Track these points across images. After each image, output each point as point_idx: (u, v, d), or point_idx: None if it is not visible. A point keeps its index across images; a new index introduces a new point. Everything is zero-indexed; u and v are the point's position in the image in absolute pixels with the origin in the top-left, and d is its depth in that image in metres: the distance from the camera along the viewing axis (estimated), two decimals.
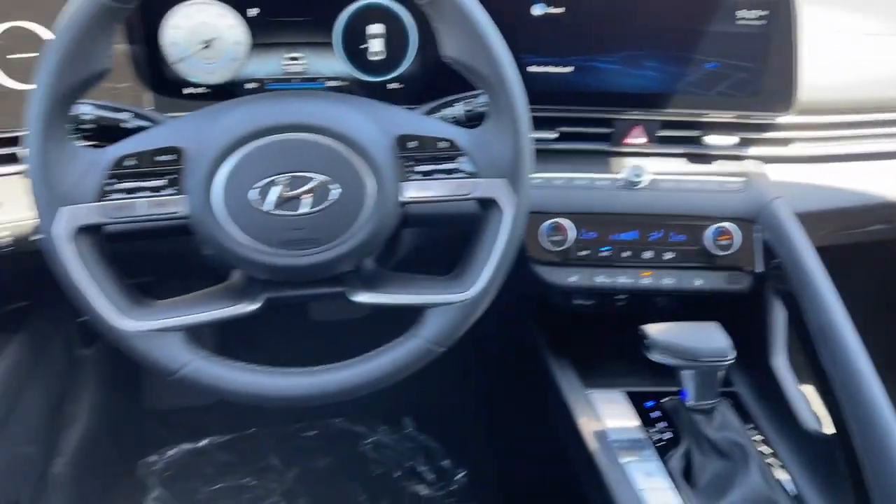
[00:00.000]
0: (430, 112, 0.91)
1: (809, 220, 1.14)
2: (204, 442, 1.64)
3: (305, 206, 0.73)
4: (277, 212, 0.73)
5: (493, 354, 1.61)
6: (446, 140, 0.78)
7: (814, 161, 1.14)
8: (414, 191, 0.77)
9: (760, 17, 1.01)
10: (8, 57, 0.92)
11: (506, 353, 1.53)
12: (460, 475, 1.57)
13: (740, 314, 1.14)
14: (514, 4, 1.00)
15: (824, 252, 1.05)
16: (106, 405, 1.55)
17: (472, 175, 0.78)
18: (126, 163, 0.72)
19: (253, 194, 0.72)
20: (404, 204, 0.78)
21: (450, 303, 0.80)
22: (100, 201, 0.72)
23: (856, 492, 0.90)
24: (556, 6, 1.00)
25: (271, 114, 0.73)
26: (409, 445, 1.64)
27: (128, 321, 0.74)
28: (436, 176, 0.78)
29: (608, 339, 1.19)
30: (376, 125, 0.77)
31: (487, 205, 0.79)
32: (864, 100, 1.13)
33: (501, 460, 1.58)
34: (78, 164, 0.72)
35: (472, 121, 0.88)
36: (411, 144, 0.77)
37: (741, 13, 1.01)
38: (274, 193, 0.73)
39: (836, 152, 1.14)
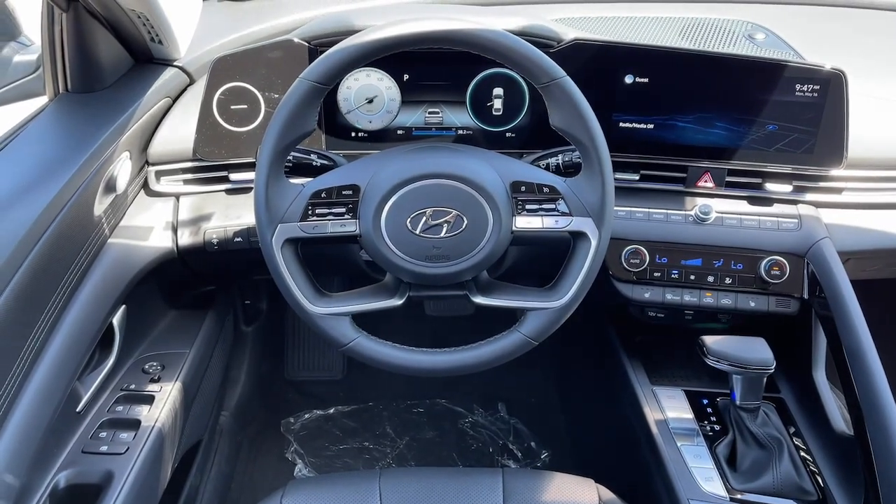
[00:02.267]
0: (537, 160, 1.17)
1: (857, 256, 1.33)
2: (331, 410, 1.95)
3: (443, 232, 1.01)
4: (424, 235, 1.01)
5: (577, 353, 1.84)
6: (548, 186, 1.04)
7: (864, 207, 1.31)
8: (522, 223, 1.03)
9: (814, 91, 1.21)
10: (231, 107, 1.24)
11: (588, 352, 1.76)
12: (545, 455, 1.82)
13: (789, 333, 1.34)
14: (611, 75, 1.24)
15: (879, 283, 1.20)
16: (258, 373, 1.90)
17: (567, 213, 1.04)
18: (321, 195, 1.02)
19: (408, 221, 1.01)
20: (515, 232, 1.05)
21: (546, 308, 1.06)
22: (301, 221, 1.01)
23: (868, 486, 1.10)
24: (642, 77, 1.24)
25: (423, 166, 1.01)
26: (501, 426, 1.90)
27: (313, 306, 1.03)
28: (539, 213, 1.04)
29: (673, 345, 1.41)
30: (497, 173, 1.03)
31: (578, 236, 1.04)
32: None
33: (579, 442, 1.82)
34: (288, 195, 1.01)
35: (567, 169, 1.14)
36: (522, 188, 1.04)
37: (799, 86, 1.21)
38: (422, 222, 1.01)
39: (884, 201, 1.31)
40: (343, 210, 1.02)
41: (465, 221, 1.01)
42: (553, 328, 1.07)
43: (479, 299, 1.08)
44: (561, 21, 1.44)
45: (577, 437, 1.83)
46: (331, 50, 0.97)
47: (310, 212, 1.01)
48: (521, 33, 1.17)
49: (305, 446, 1.85)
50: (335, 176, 1.04)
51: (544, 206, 1.04)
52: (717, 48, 1.39)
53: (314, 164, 1.14)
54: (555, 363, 2.00)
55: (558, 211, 1.03)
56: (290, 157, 1.13)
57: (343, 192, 1.02)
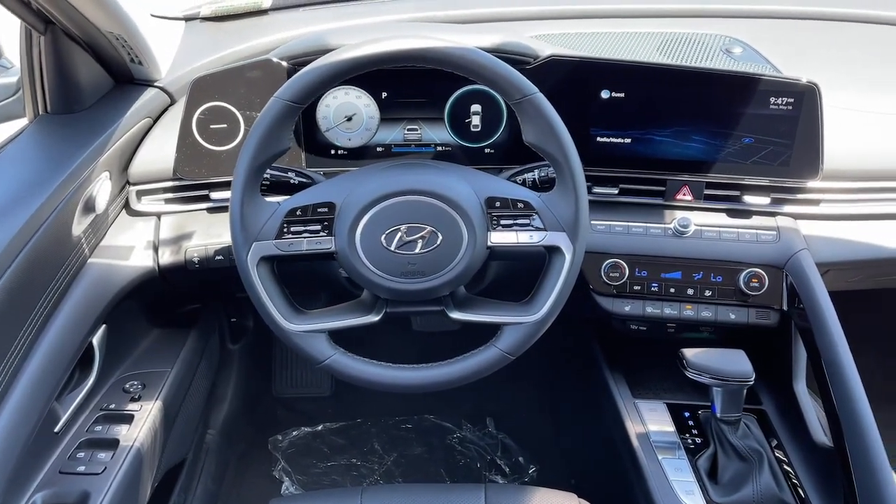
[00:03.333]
0: (514, 175, 1.18)
1: (836, 268, 1.34)
2: (320, 427, 1.95)
3: (418, 248, 1.01)
4: (398, 251, 1.01)
5: (564, 368, 1.85)
6: (523, 201, 1.04)
7: (842, 219, 1.31)
8: (497, 238, 1.03)
9: (789, 104, 1.22)
10: (211, 127, 1.25)
11: (571, 367, 1.76)
12: (532, 470, 1.81)
13: (770, 345, 1.35)
14: (587, 90, 1.25)
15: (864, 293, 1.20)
16: (246, 391, 1.90)
17: (541, 228, 1.04)
18: (297, 213, 1.02)
19: (383, 238, 1.01)
20: (490, 247, 1.05)
21: (522, 322, 1.06)
22: (277, 239, 1.02)
23: (847, 495, 1.10)
24: (618, 92, 1.25)
25: (397, 182, 1.02)
26: (489, 441, 1.89)
27: (289, 324, 1.04)
28: (514, 228, 1.04)
29: (656, 359, 1.41)
30: (472, 189, 1.04)
31: (552, 250, 1.05)
32: (886, 169, 1.31)
33: (566, 457, 1.81)
34: (264, 213, 1.02)
35: (544, 184, 1.15)
36: (497, 203, 1.04)
37: (774, 99, 1.22)
38: (397, 238, 1.01)
39: (863, 212, 1.32)
40: (318, 227, 1.03)
41: (440, 237, 1.02)
42: (530, 342, 1.07)
43: (456, 315, 1.08)
44: (540, 38, 1.46)
45: (565, 452, 1.83)
46: (304, 69, 0.98)
47: (285, 229, 1.02)
48: (495, 50, 1.19)
49: (293, 464, 1.84)
50: (311, 194, 1.05)
51: (519, 221, 1.04)
52: (694, 62, 1.40)
53: (292, 181, 1.15)
54: (543, 378, 2.00)
55: (532, 226, 1.04)
56: (268, 176, 1.14)
57: (318, 210, 1.03)
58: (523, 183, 1.16)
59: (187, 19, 1.50)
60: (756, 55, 1.44)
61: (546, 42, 1.37)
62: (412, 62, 0.98)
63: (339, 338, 1.08)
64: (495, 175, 1.13)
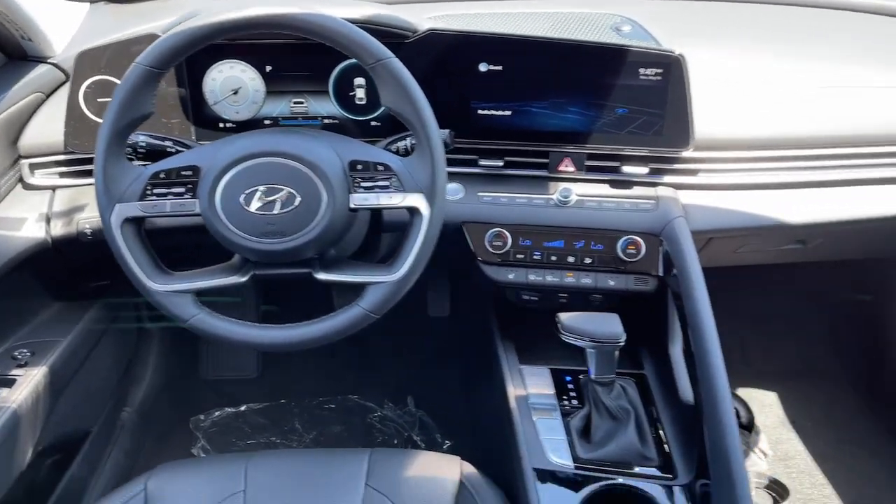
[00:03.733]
0: (388, 145, 1.21)
1: (716, 235, 1.38)
2: (243, 407, 1.98)
3: (276, 208, 1.04)
4: (257, 212, 1.04)
5: (472, 343, 1.88)
6: (383, 164, 1.08)
7: (719, 188, 1.35)
8: (358, 199, 1.06)
9: (657, 74, 1.26)
10: (98, 100, 1.28)
11: (477, 341, 1.80)
12: (447, 445, 1.85)
13: (651, 311, 1.39)
14: (466, 64, 1.28)
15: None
16: (167, 371, 1.92)
17: (400, 190, 1.07)
18: (161, 176, 1.05)
19: (241, 199, 1.04)
20: (353, 209, 1.09)
21: (383, 281, 1.09)
22: (140, 201, 1.05)
23: (701, 450, 1.14)
24: (495, 65, 1.28)
25: (258, 144, 1.04)
26: (408, 419, 1.92)
27: (154, 284, 1.07)
28: (375, 190, 1.08)
29: (548, 329, 1.44)
30: (334, 153, 1.07)
31: (412, 211, 1.08)
32: (755, 138, 1.35)
33: (473, 428, 1.85)
34: (128, 176, 1.05)
35: (412, 151, 1.18)
36: (359, 167, 1.08)
37: (643, 70, 1.26)
38: (255, 198, 1.05)
39: (740, 182, 1.36)
40: (182, 190, 1.05)
41: (298, 198, 1.04)
42: (392, 301, 1.10)
43: (322, 275, 1.11)
44: (442, 17, 1.50)
45: (473, 424, 1.86)
46: (163, 36, 1.01)
47: (149, 191, 1.05)
48: (369, 22, 1.23)
49: (213, 442, 1.87)
50: (177, 159, 1.08)
51: (379, 184, 1.07)
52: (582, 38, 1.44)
53: (169, 150, 1.18)
54: (461, 356, 2.03)
55: (392, 188, 1.07)
56: (144, 144, 1.16)
57: (182, 173, 1.05)
58: (397, 151, 1.19)
59: (92, 1, 1.53)
60: (644, 32, 1.48)
61: (446, 21, 1.40)
62: (269, 28, 1.01)
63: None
64: (372, 144, 1.17)
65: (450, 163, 1.34)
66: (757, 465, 1.72)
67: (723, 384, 1.13)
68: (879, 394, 1.97)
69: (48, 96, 1.36)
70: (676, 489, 1.14)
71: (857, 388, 2.02)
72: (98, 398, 1.57)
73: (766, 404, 1.97)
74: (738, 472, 1.06)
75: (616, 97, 1.28)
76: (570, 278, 1.35)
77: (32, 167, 1.34)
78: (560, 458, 1.19)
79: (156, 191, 1.05)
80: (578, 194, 1.34)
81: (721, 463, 1.08)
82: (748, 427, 1.72)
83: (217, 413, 1.95)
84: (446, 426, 1.90)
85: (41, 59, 1.36)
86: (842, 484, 1.52)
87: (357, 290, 1.11)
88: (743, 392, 2.00)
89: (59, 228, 1.32)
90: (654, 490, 1.13)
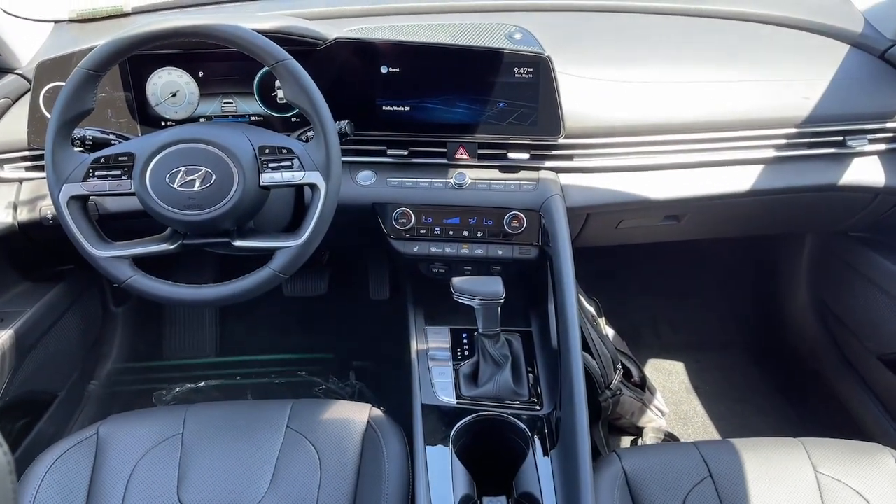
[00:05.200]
0: (300, 135, 1.43)
1: (592, 211, 1.60)
2: (202, 383, 2.19)
3: (196, 185, 1.26)
4: (180, 188, 1.26)
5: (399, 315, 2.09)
6: (286, 148, 1.29)
7: (592, 171, 1.57)
8: (267, 178, 1.28)
9: (529, 73, 1.49)
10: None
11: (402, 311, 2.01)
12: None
13: (538, 277, 1.60)
14: (370, 66, 1.50)
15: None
16: (132, 350, 2.13)
17: (301, 169, 1.29)
18: (101, 161, 1.27)
19: (167, 178, 1.26)
20: (263, 186, 1.30)
21: (289, 245, 1.30)
22: (84, 181, 1.27)
23: (561, 389, 1.35)
24: (394, 67, 1.51)
25: (180, 133, 1.27)
26: (348, 391, 2.13)
27: (96, 250, 1.29)
28: (280, 169, 1.29)
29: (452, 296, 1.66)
30: (246, 139, 1.29)
31: (311, 187, 1.30)
32: (622, 125, 1.56)
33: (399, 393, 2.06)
34: (74, 161, 1.27)
35: None
36: (267, 150, 1.29)
37: (517, 69, 1.49)
38: (179, 177, 1.26)
39: (609, 165, 1.58)
40: (119, 172, 1.28)
41: (214, 177, 1.26)
42: (298, 263, 1.31)
43: (238, 242, 1.32)
44: (358, 30, 1.72)
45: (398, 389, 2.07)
46: (100, 44, 1.24)
47: (91, 174, 1.27)
48: (279, 32, 1.45)
49: None
50: (115, 147, 1.30)
51: (284, 164, 1.29)
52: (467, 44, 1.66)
53: (112, 142, 1.40)
54: (398, 333, 2.24)
55: (294, 167, 1.29)
56: (91, 138, 1.38)
57: (120, 158, 1.27)
58: (306, 139, 1.41)
59: (56, 21, 1.76)
60: (533, 40, 1.70)
61: (361, 32, 1.62)
62: (189, 38, 1.24)
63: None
64: (287, 135, 1.38)
65: (363, 153, 1.59)
66: (655, 422, 1.93)
67: (574, 334, 1.35)
68: (770, 360, 2.18)
69: (15, 101, 1.58)
70: (538, 418, 1.35)
71: (754, 357, 2.23)
72: (64, 366, 1.78)
73: (672, 372, 2.19)
74: (578, 403, 1.28)
75: (497, 93, 1.50)
76: (465, 249, 1.56)
77: (1, 162, 1.56)
78: (446, 397, 1.40)
79: (97, 173, 1.27)
80: (472, 178, 1.56)
81: (567, 395, 1.29)
82: (641, 385, 1.92)
83: (177, 388, 2.15)
84: (383, 395, 2.11)
85: (9, 70, 1.58)
86: (732, 438, 1.72)
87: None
88: (653, 362, 2.22)
89: (24, 214, 1.54)
90: (520, 419, 1.35)
